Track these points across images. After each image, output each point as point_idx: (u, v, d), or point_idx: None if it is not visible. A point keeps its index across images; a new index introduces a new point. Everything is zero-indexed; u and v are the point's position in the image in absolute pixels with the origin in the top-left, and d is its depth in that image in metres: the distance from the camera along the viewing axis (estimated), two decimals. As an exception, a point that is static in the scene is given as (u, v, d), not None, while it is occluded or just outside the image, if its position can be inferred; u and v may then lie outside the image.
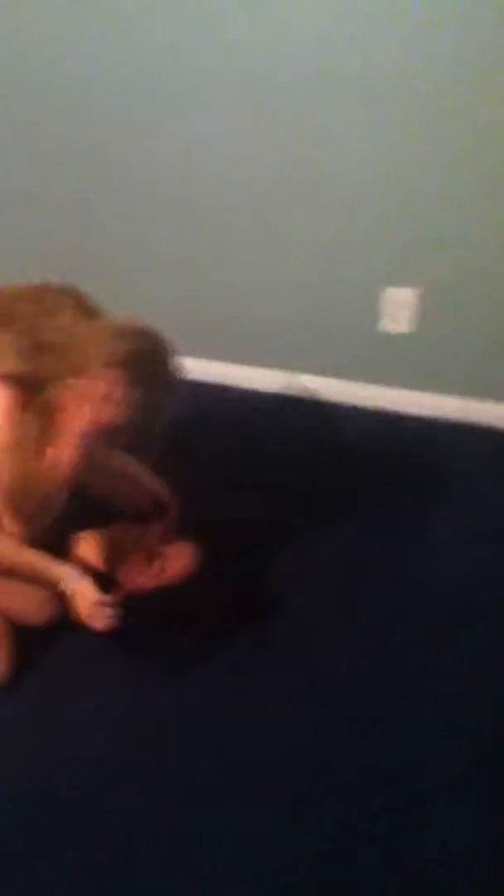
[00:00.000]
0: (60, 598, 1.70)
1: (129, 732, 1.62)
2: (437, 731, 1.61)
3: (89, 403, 1.60)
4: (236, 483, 2.18)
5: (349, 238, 2.36)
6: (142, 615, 1.70)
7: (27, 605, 1.73)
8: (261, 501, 2.13)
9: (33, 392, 1.61)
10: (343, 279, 2.43)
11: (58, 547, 1.76)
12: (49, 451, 1.64)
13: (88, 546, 1.81)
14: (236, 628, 1.78)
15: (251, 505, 2.10)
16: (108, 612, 1.67)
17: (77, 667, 1.72)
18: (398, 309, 2.41)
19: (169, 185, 2.45)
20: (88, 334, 1.62)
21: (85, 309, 1.69)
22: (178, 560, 1.83)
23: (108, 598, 1.68)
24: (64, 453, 1.65)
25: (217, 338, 2.63)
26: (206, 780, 1.53)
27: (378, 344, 2.48)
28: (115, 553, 1.82)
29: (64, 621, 1.72)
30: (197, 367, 2.59)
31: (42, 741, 1.61)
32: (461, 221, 2.24)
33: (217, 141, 2.33)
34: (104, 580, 1.72)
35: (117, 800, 1.50)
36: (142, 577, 1.80)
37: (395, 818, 1.47)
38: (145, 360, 1.62)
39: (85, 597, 1.68)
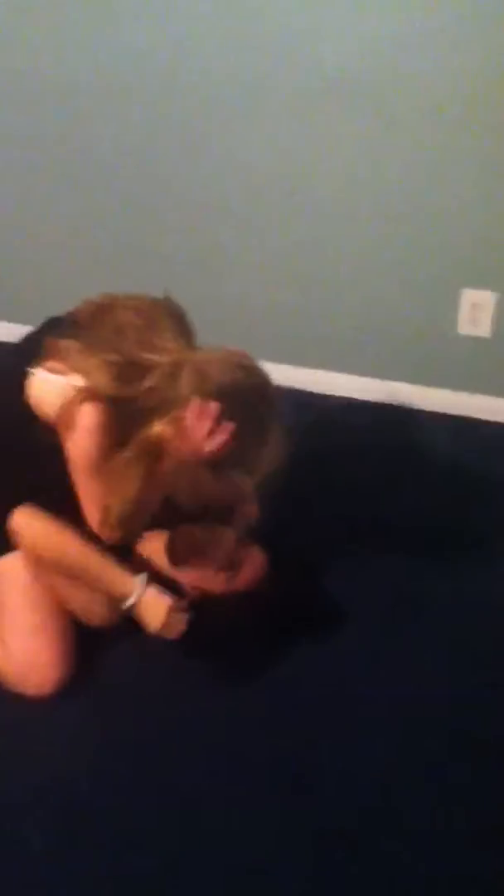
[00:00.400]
0: (123, 613, 1.64)
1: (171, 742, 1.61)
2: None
3: (186, 435, 1.53)
4: (311, 487, 2.15)
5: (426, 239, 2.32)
6: (208, 619, 1.66)
7: (91, 603, 1.69)
8: (332, 508, 2.11)
9: (127, 413, 1.57)
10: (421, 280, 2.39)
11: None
12: (145, 473, 1.58)
13: (153, 546, 1.78)
14: (291, 640, 1.77)
15: (325, 511, 2.09)
16: (182, 618, 1.60)
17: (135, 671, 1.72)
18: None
19: (239, 192, 2.44)
20: (193, 361, 1.57)
21: (186, 331, 1.66)
22: (249, 567, 1.79)
23: (182, 602, 1.62)
24: (161, 477, 1.60)
25: (296, 342, 2.62)
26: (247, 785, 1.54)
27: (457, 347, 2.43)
28: (181, 555, 1.77)
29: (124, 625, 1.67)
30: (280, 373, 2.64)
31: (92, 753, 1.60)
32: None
33: (287, 143, 2.32)
34: (166, 584, 1.68)
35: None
36: (210, 583, 1.76)
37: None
38: (248, 396, 1.56)
39: (157, 605, 1.60)
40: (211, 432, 1.49)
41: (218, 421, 1.49)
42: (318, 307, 2.53)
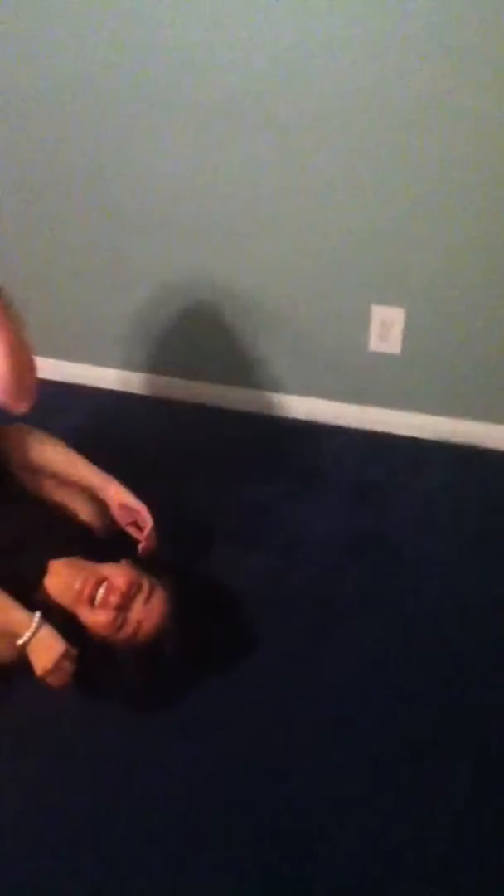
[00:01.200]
0: (19, 651, 1.59)
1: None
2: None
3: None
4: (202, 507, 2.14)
5: (341, 255, 2.31)
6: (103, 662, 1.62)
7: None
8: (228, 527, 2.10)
9: None
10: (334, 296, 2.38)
11: (29, 574, 1.68)
12: None
13: (58, 578, 1.70)
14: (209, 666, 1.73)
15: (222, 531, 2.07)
16: (69, 668, 1.55)
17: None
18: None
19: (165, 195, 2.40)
20: None
21: None
22: (150, 617, 1.64)
23: (72, 651, 1.56)
24: None
25: (193, 357, 2.61)
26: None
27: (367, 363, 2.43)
28: (83, 589, 1.65)
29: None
30: (183, 388, 2.64)
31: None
32: (450, 242, 2.18)
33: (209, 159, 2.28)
34: (66, 618, 1.63)
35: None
36: (109, 631, 1.62)
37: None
38: None
39: (48, 649, 1.55)
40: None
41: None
42: (230, 322, 2.50)
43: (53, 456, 1.90)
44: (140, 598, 1.63)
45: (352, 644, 1.81)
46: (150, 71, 2.18)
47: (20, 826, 1.48)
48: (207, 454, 2.42)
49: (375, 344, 2.39)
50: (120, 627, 1.61)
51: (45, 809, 1.50)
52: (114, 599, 1.60)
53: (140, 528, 1.88)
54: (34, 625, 1.57)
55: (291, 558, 2.05)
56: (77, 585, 1.63)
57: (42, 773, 1.56)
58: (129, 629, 1.61)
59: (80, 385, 2.72)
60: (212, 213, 2.35)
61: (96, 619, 1.61)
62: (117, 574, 1.64)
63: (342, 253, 2.30)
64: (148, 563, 1.75)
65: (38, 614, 1.59)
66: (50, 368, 2.59)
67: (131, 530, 1.90)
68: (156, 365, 2.70)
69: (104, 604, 1.60)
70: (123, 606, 1.60)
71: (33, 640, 1.56)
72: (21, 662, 1.61)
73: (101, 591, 1.61)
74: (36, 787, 1.54)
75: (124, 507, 1.87)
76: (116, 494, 1.87)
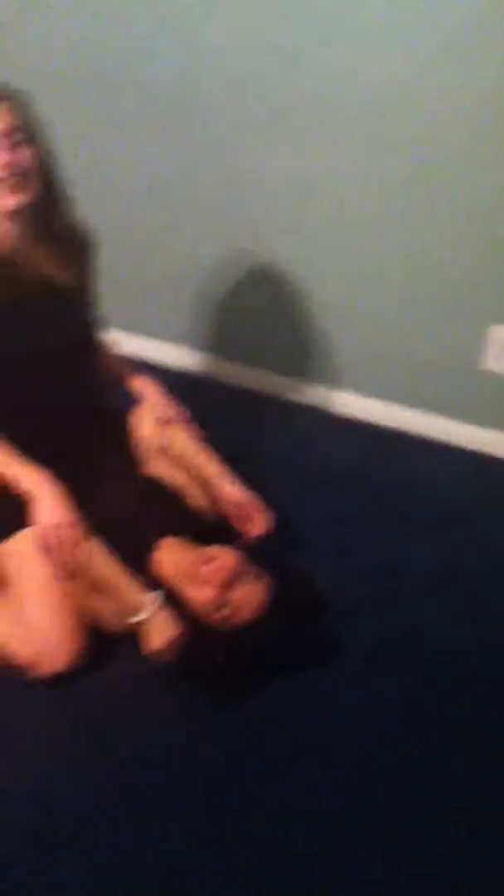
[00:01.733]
0: (128, 625, 1.65)
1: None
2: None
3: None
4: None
5: (454, 272, 2.32)
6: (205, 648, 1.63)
7: (102, 609, 1.69)
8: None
9: None
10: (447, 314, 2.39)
11: (140, 548, 1.69)
12: None
13: (169, 554, 1.71)
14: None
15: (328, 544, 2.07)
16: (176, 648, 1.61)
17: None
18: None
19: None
20: None
21: None
22: (250, 603, 1.66)
23: (180, 634, 1.62)
24: None
25: (312, 362, 2.63)
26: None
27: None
28: (192, 564, 1.69)
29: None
30: (295, 389, 2.67)
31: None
32: None
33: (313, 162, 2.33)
34: (169, 593, 1.65)
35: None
36: (209, 609, 1.64)
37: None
38: None
39: (163, 631, 1.61)
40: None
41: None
42: (347, 333, 2.55)
43: (182, 441, 1.95)
44: (244, 582, 1.66)
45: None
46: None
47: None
48: (289, 454, 2.42)
49: (492, 364, 2.39)
50: (220, 607, 1.63)
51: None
52: (220, 577, 1.63)
53: (248, 523, 1.91)
54: (152, 606, 1.62)
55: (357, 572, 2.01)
56: (186, 560, 1.68)
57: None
58: (227, 611, 1.63)
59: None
60: (312, 215, 2.40)
61: (200, 595, 1.63)
62: (226, 554, 1.68)
63: (459, 266, 2.31)
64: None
65: (157, 595, 1.63)
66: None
67: (240, 524, 1.93)
68: (240, 355, 2.73)
69: (210, 580, 1.64)
70: (228, 586, 1.63)
71: (151, 619, 1.62)
72: (124, 633, 1.67)
73: (209, 567, 1.67)
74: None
75: (237, 504, 1.92)
76: (231, 492, 1.91)
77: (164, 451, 1.92)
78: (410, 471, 2.40)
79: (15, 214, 1.66)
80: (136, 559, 1.69)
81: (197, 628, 1.64)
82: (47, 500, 1.65)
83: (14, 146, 1.62)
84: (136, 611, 1.63)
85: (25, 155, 1.63)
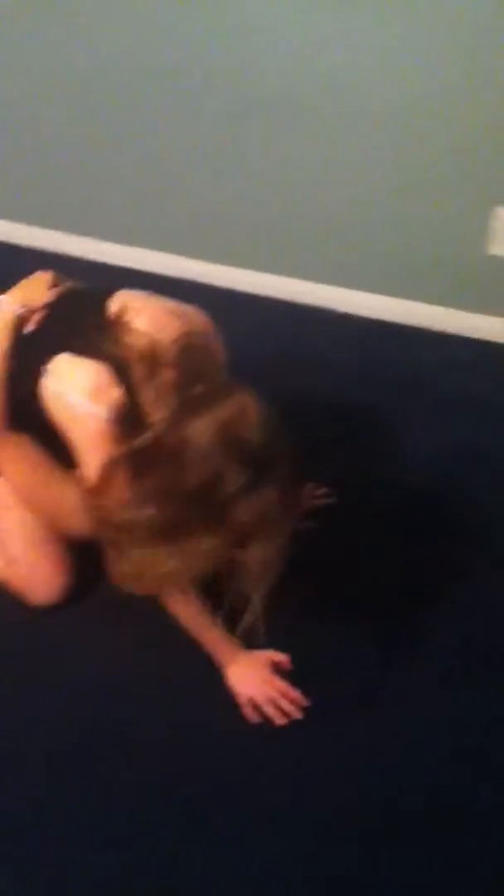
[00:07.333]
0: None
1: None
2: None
3: None
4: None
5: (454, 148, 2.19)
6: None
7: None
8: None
9: None
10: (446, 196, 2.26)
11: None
12: None
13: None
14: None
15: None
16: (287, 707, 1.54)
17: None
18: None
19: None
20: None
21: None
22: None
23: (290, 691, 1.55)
24: None
25: (310, 257, 2.52)
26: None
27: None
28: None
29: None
30: (293, 288, 2.56)
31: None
32: None
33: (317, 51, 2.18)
34: None
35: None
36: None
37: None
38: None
39: (259, 686, 1.55)
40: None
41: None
42: (342, 223, 2.42)
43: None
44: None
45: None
46: None
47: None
48: (298, 355, 2.34)
49: (496, 248, 2.27)
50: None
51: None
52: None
53: None
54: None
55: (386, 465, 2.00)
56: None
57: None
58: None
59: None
60: (313, 93, 2.26)
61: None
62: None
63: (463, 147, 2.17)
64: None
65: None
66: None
67: None
68: (239, 257, 2.61)
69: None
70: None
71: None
72: None
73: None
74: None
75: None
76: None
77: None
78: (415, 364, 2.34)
79: None
80: None
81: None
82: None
83: None
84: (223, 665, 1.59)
85: None
